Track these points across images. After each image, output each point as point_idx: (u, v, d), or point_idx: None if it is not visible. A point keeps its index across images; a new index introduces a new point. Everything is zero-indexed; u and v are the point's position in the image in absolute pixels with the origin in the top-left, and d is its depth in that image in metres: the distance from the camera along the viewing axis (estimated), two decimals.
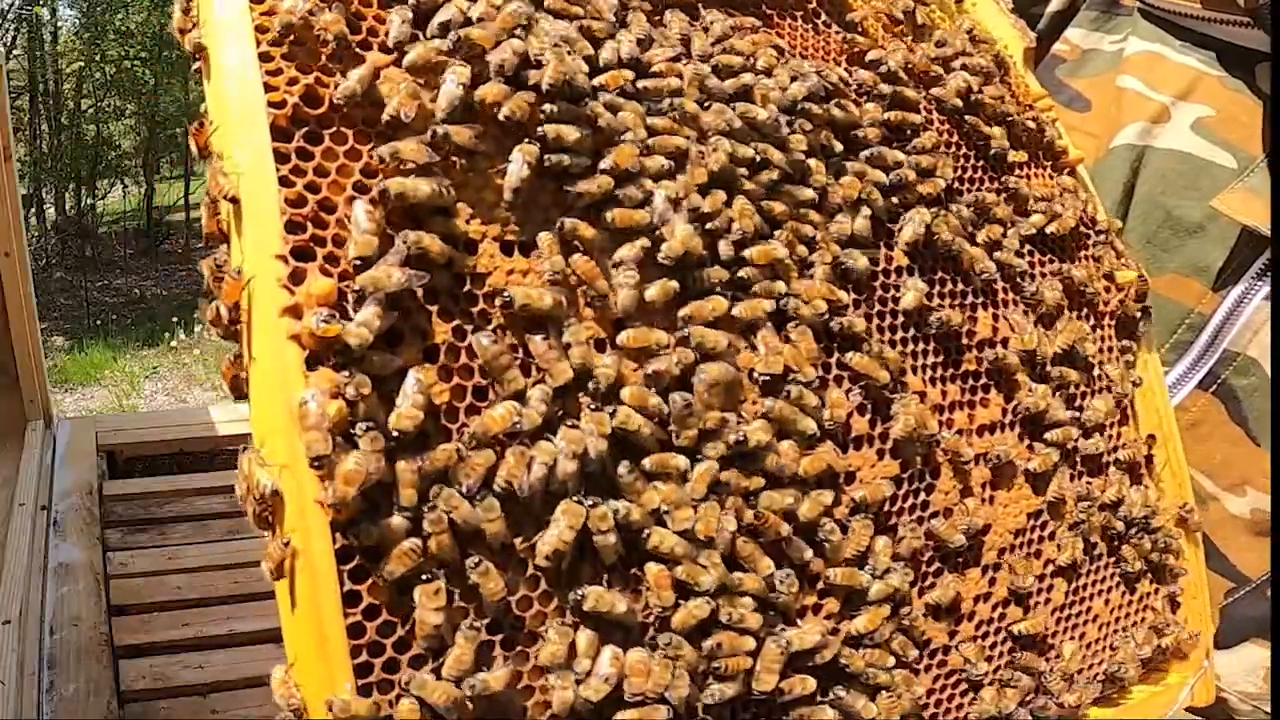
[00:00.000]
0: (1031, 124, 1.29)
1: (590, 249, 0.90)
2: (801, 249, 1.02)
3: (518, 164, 0.87)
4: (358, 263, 0.80)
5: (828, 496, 0.97)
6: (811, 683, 0.92)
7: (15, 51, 10.96)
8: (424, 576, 0.77)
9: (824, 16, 1.20)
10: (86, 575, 2.19)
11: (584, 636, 0.83)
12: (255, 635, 2.08)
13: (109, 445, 2.78)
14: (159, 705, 1.93)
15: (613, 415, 0.86)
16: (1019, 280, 1.19)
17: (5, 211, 2.55)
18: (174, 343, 8.20)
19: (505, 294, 0.84)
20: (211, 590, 2.23)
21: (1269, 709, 1.38)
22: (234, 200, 0.80)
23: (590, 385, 0.87)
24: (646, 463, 0.88)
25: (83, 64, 11.24)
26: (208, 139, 0.83)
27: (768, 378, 0.95)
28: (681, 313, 0.93)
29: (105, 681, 1.90)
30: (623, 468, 0.86)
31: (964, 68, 1.24)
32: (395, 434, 0.77)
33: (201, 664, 2.02)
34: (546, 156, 0.89)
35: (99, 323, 9.12)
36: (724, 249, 0.97)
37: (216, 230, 0.82)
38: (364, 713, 0.74)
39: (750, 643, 0.89)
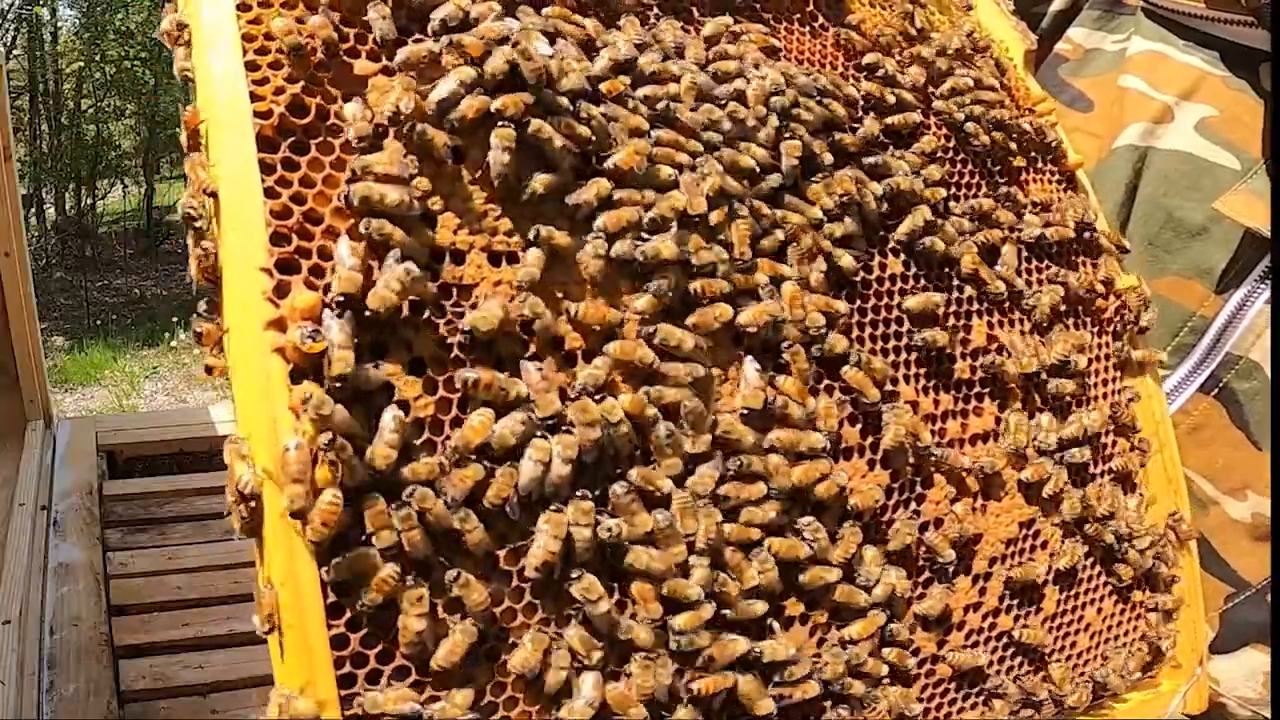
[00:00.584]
0: (1031, 128, 1.28)
1: (566, 256, 0.89)
2: (805, 265, 1.02)
3: (496, 151, 0.86)
4: (340, 299, 0.78)
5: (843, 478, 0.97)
6: (815, 688, 0.92)
7: (15, 51, 10.96)
8: (409, 582, 0.77)
9: (821, 19, 1.19)
10: (86, 575, 2.19)
11: (576, 635, 0.83)
12: (255, 635, 2.08)
13: (109, 445, 2.78)
14: (159, 705, 1.94)
15: (599, 402, 0.86)
16: (1016, 287, 1.19)
17: (5, 211, 2.56)
18: (174, 343, 8.20)
19: (463, 328, 0.83)
20: (211, 590, 2.24)
21: (1268, 714, 1.38)
22: (213, 195, 0.79)
23: (576, 388, 0.86)
24: (634, 475, 0.87)
25: (83, 64, 11.24)
26: (198, 125, 0.83)
27: (746, 411, 0.94)
28: (690, 320, 0.93)
29: (105, 681, 1.90)
30: (619, 487, 0.86)
31: (963, 71, 1.23)
32: (371, 470, 0.77)
33: (201, 664, 2.03)
34: (525, 186, 0.88)
35: (99, 323, 9.12)
36: (725, 264, 0.97)
37: (203, 279, 0.81)
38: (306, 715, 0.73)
39: (741, 645, 0.89)
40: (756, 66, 1.06)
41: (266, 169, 0.81)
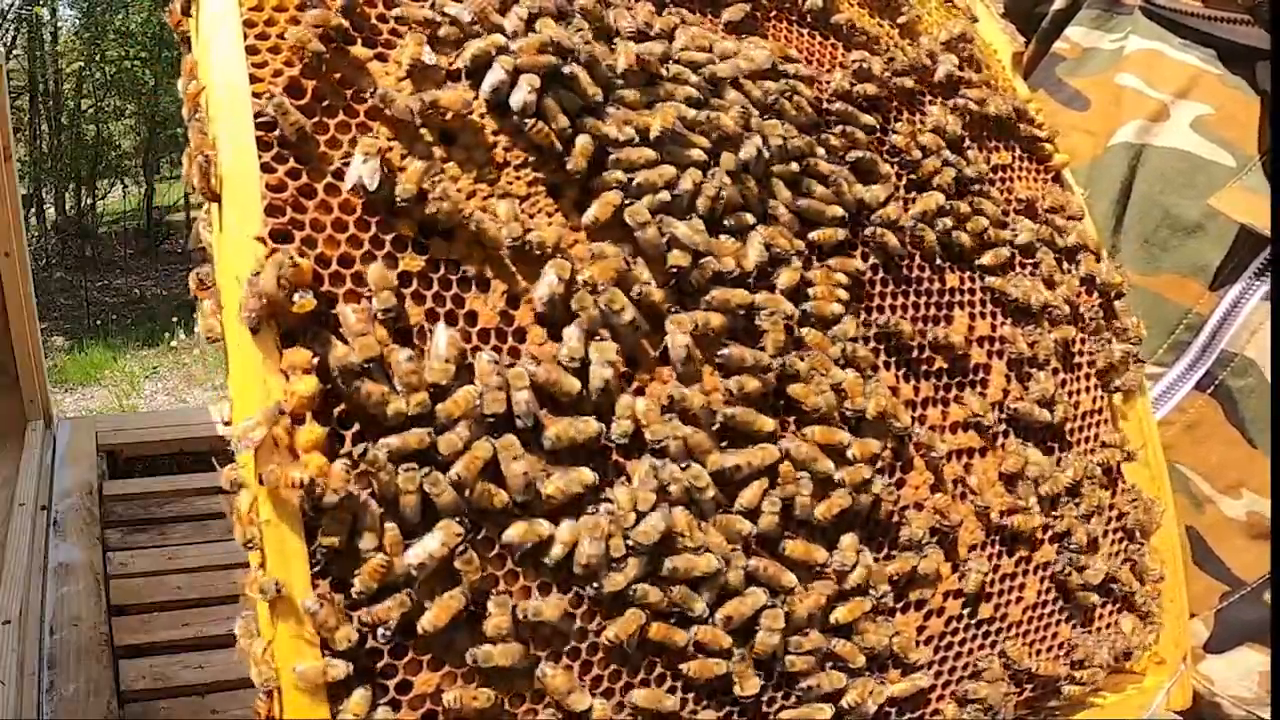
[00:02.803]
0: (1016, 126, 1.28)
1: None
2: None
3: (521, 90, 0.90)
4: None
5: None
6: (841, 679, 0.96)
7: (15, 51, 10.97)
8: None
9: (810, 18, 1.20)
10: (86, 575, 2.19)
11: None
12: None
13: (109, 445, 2.78)
14: (159, 705, 1.93)
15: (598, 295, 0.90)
16: (1000, 284, 1.19)
17: (5, 211, 2.56)
18: (174, 343, 8.20)
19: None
20: (211, 590, 2.23)
21: (1263, 714, 1.37)
22: (208, 160, 0.83)
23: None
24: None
25: (83, 64, 11.25)
26: (199, 94, 0.85)
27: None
28: (711, 294, 0.97)
29: (105, 681, 1.90)
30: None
31: (949, 68, 1.24)
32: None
33: (201, 664, 2.02)
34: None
35: (99, 323, 9.12)
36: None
37: (207, 188, 0.84)
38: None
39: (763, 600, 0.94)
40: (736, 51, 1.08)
41: (264, 146, 0.84)
